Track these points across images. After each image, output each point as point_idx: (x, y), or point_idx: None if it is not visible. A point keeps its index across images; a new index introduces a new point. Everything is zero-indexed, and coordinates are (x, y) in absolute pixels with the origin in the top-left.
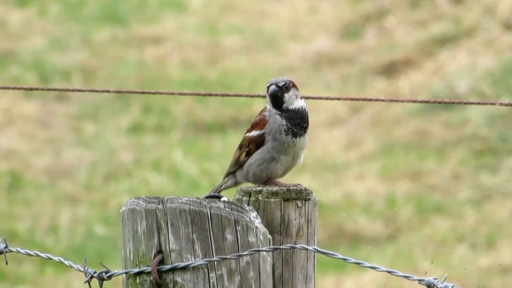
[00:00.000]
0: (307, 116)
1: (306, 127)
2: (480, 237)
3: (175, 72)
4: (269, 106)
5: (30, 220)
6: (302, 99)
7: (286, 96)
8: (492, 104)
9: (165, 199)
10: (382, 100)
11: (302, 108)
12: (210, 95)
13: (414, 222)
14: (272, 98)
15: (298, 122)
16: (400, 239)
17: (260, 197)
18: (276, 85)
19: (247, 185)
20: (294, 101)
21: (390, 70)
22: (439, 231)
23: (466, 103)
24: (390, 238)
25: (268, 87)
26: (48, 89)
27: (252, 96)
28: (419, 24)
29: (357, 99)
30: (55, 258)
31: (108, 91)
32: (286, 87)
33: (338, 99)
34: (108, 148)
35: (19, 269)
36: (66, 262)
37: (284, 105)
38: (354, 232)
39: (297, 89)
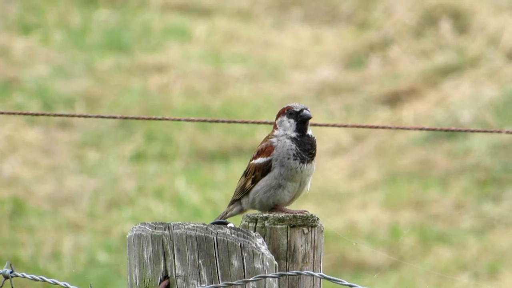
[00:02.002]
0: (315, 144)
1: (314, 154)
2: (483, 266)
3: (179, 100)
4: (280, 130)
5: (33, 247)
6: None
7: (307, 122)
8: (499, 132)
9: (171, 224)
10: (389, 128)
11: (312, 135)
12: (216, 121)
13: (417, 250)
14: (303, 123)
15: (308, 148)
16: (403, 268)
17: (266, 224)
18: (308, 110)
19: (253, 212)
20: (308, 128)
21: (394, 99)
22: (442, 260)
23: (472, 131)
24: (393, 266)
25: (298, 112)
26: (55, 115)
27: (259, 123)
28: (423, 54)
29: (363, 127)
30: (61, 283)
31: (114, 117)
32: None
33: (345, 126)
34: (111, 176)
35: None
36: (71, 287)
37: (307, 132)
38: (357, 260)
39: None
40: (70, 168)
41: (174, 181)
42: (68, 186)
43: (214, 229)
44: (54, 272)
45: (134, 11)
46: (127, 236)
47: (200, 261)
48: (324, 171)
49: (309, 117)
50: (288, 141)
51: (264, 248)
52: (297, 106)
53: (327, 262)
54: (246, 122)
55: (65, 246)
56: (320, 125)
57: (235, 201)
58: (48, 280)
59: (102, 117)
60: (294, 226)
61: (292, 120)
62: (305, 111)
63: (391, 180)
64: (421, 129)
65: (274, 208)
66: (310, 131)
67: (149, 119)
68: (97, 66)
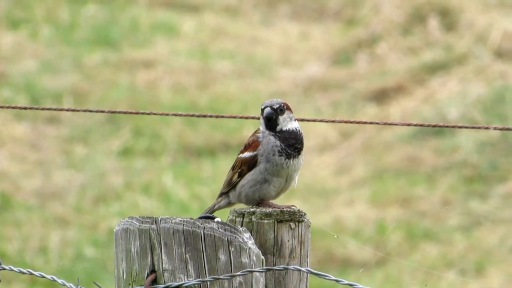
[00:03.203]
0: (302, 138)
1: (301, 149)
2: (469, 263)
3: (166, 96)
4: (262, 127)
5: (19, 242)
6: (297, 121)
7: (281, 118)
8: (486, 128)
9: (159, 219)
10: (377, 123)
11: (296, 129)
12: (204, 116)
13: (403, 247)
14: (267, 120)
15: (292, 143)
16: (390, 265)
17: (253, 218)
18: (271, 107)
19: (241, 206)
20: (288, 123)
21: (381, 96)
22: (429, 257)
23: (460, 127)
24: (380, 263)
25: (262, 110)
26: (43, 109)
27: (247, 118)
28: (410, 51)
29: (351, 122)
30: (48, 276)
31: (102, 111)
32: (281, 109)
33: (333, 121)
34: (98, 171)
35: None
36: (59, 281)
37: (278, 127)
38: (343, 257)
39: (291, 111)
40: (58, 163)
41: (161, 176)
42: (56, 181)
43: (201, 224)
44: (41, 267)
45: (122, 7)
46: (114, 230)
47: (187, 255)
48: (311, 167)
49: (268, 115)
50: (272, 138)
51: (251, 243)
52: (264, 103)
53: (314, 258)
54: (234, 117)
55: (52, 240)
56: (308, 120)
57: (223, 194)
58: (35, 273)
59: (90, 111)
60: (281, 221)
61: (261, 118)
62: (267, 109)
63: (378, 176)
64: (409, 125)
65: (261, 202)
66: (295, 125)
67: (137, 113)
68: (85, 62)
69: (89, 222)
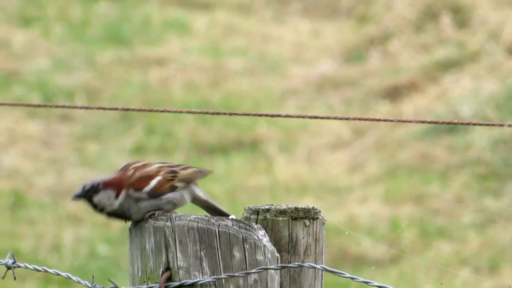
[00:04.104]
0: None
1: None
2: (483, 260)
3: (179, 93)
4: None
5: (33, 240)
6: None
7: (96, 199)
8: (501, 125)
9: (173, 216)
10: (391, 120)
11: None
12: (218, 113)
13: (417, 245)
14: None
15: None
16: (403, 262)
17: (268, 216)
18: (83, 188)
19: (256, 203)
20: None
21: (394, 94)
22: (442, 255)
23: (474, 124)
24: (393, 261)
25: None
26: (56, 106)
27: (260, 115)
28: (423, 48)
29: (365, 119)
30: (63, 274)
31: (116, 109)
32: (95, 190)
33: (347, 118)
34: (111, 168)
35: (22, 287)
36: (74, 278)
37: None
38: (357, 254)
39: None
40: (70, 161)
41: None
42: (68, 178)
43: (216, 221)
44: (55, 265)
45: (134, 4)
46: (128, 227)
47: (202, 253)
48: (323, 165)
49: (74, 197)
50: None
51: (266, 240)
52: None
53: (327, 255)
54: (248, 115)
55: (65, 238)
56: (322, 118)
57: None
58: (50, 270)
59: (104, 108)
60: (295, 218)
61: None
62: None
63: (391, 174)
64: (423, 122)
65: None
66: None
67: (150, 111)
68: (97, 59)
69: (102, 219)
